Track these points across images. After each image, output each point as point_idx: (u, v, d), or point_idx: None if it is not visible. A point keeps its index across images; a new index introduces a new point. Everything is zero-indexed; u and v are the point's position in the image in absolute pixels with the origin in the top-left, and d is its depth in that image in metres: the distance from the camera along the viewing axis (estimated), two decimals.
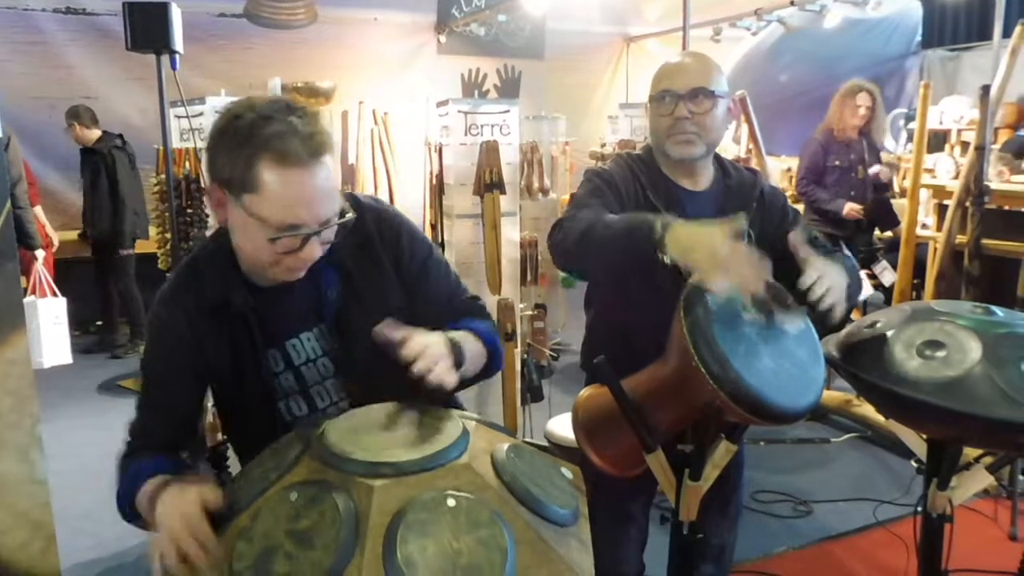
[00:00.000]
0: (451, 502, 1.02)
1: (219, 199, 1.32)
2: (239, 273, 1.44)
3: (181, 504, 1.14)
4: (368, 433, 1.17)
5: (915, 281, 4.25)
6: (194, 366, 1.44)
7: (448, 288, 1.62)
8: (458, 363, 1.32)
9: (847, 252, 2.03)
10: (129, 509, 1.34)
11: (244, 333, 1.43)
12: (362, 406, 1.44)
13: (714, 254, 1.43)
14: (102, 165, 5.58)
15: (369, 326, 1.36)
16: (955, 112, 5.30)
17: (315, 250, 1.32)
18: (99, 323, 6.11)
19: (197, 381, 1.48)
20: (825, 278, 1.57)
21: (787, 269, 1.78)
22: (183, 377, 1.45)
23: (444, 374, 1.24)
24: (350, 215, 1.36)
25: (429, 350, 1.24)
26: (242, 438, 1.63)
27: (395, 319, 1.38)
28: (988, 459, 1.72)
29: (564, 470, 1.27)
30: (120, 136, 5.72)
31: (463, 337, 1.41)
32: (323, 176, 1.27)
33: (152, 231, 3.92)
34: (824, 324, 1.74)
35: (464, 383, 1.41)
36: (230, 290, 1.41)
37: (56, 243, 5.44)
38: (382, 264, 1.52)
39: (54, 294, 4.64)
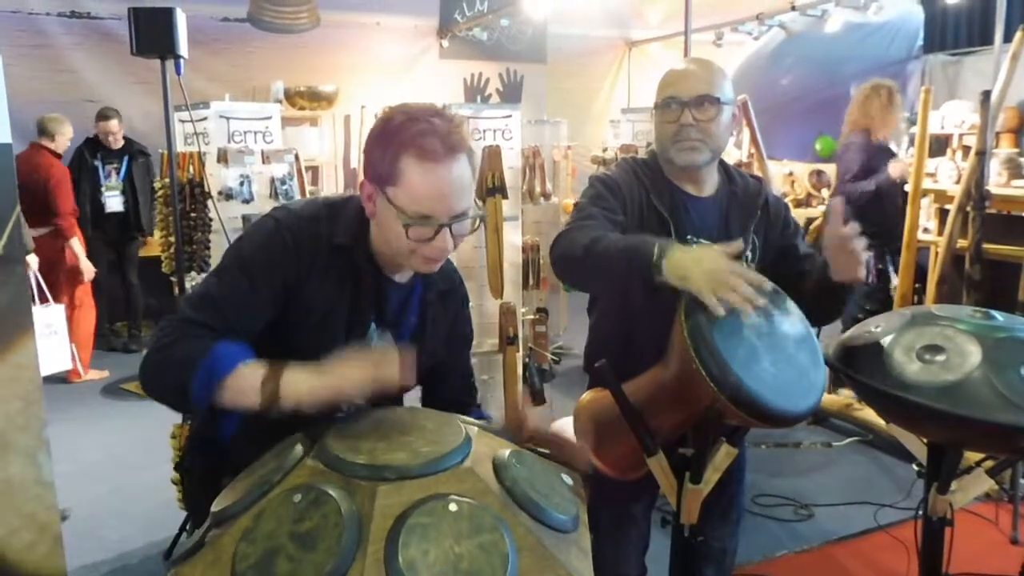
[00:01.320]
0: (453, 507, 1.03)
1: (369, 194, 1.44)
2: (367, 239, 1.50)
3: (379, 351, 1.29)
4: (371, 437, 1.18)
5: (916, 285, 4.25)
6: (289, 287, 1.44)
7: (469, 369, 1.80)
8: None
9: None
10: (205, 385, 1.30)
11: (348, 285, 1.49)
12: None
13: (711, 277, 1.47)
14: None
15: (420, 360, 1.44)
16: (956, 116, 5.31)
17: (447, 241, 1.41)
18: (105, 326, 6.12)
19: (277, 303, 1.46)
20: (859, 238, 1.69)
21: (788, 275, 1.79)
22: (276, 290, 1.44)
23: None
24: (482, 213, 1.46)
25: None
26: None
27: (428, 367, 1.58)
28: (989, 463, 1.73)
29: (565, 476, 1.28)
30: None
31: None
32: (457, 172, 1.38)
33: (156, 234, 3.93)
34: (832, 306, 1.80)
35: None
36: (357, 242, 1.49)
37: (88, 277, 5.47)
38: (447, 317, 1.66)
39: (44, 301, 4.65)
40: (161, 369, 1.36)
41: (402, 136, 1.37)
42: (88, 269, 5.40)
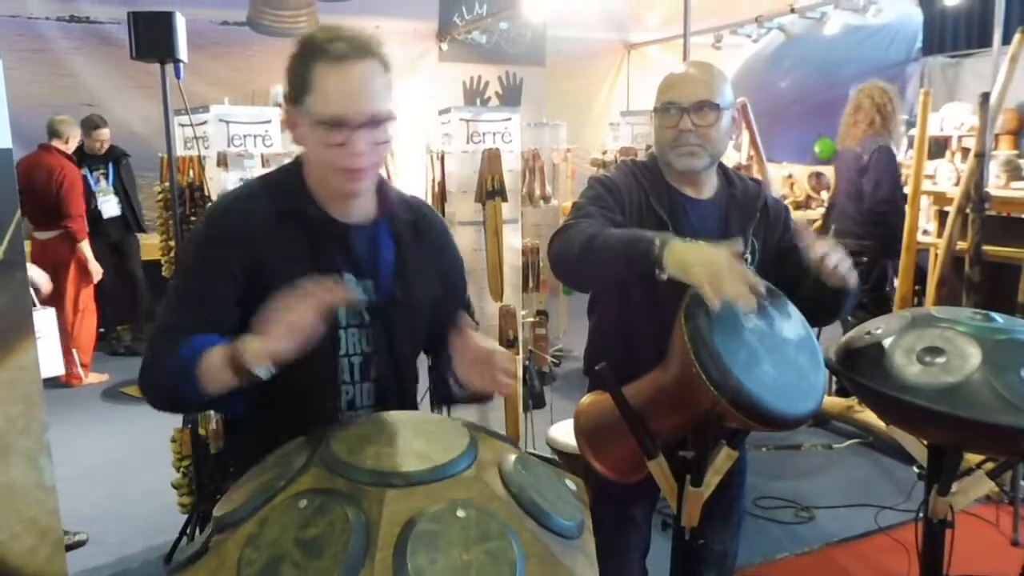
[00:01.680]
0: (461, 513, 1.02)
1: (291, 117, 1.47)
2: (313, 196, 1.51)
3: (296, 297, 1.27)
4: (375, 442, 1.17)
5: (916, 287, 4.25)
6: (245, 267, 1.45)
7: (468, 301, 1.76)
8: None
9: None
10: (187, 383, 1.34)
11: (305, 248, 1.48)
12: (371, 366, 1.55)
13: (712, 271, 1.46)
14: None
15: (406, 296, 1.53)
16: (955, 119, 5.31)
17: (361, 143, 1.40)
18: (102, 330, 6.11)
19: (238, 288, 1.46)
20: (834, 252, 1.67)
21: (788, 277, 1.79)
22: (232, 277, 1.45)
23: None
24: (394, 121, 1.46)
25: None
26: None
27: (422, 308, 1.58)
28: (989, 465, 1.73)
29: (568, 482, 1.27)
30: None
31: None
32: (367, 73, 1.41)
33: (156, 238, 3.93)
34: (832, 305, 1.80)
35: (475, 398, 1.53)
36: (304, 203, 1.49)
37: (96, 278, 5.53)
38: (429, 253, 1.63)
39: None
40: (151, 385, 1.42)
41: (313, 45, 1.41)
42: (96, 270, 5.44)
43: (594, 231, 1.69)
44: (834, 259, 1.66)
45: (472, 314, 1.70)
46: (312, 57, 1.41)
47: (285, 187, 1.51)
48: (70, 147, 5.45)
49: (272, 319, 1.27)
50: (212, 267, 1.45)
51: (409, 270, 1.58)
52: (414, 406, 1.69)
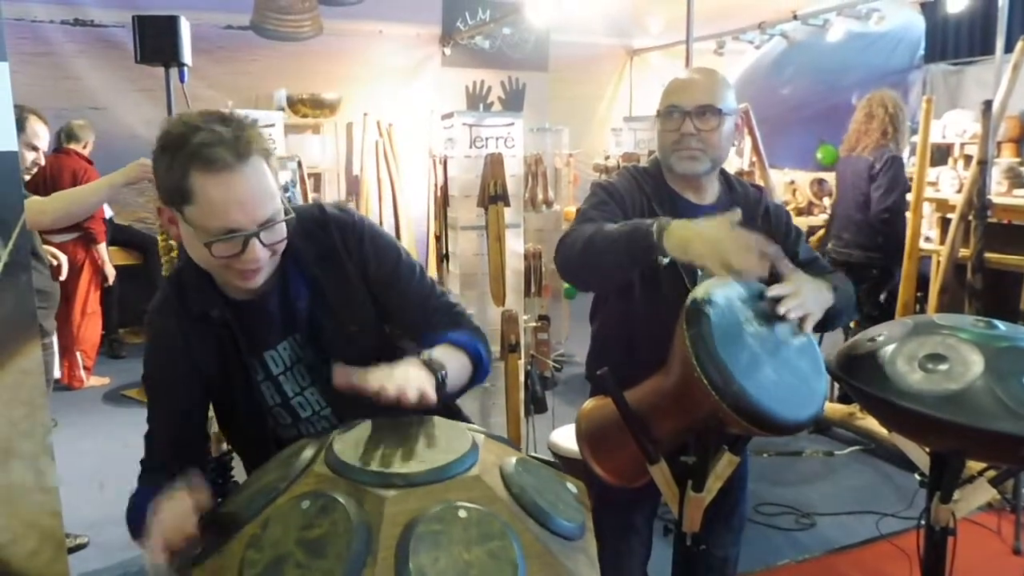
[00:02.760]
0: (462, 514, 1.03)
1: (169, 217, 1.36)
2: (216, 287, 1.47)
3: (170, 505, 1.18)
4: (377, 444, 1.18)
5: (918, 294, 4.25)
6: (190, 371, 1.47)
7: (422, 293, 1.59)
8: (439, 379, 1.31)
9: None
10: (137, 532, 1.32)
11: (228, 342, 1.47)
12: (344, 413, 1.52)
13: (713, 243, 1.46)
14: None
15: (340, 334, 1.45)
16: (958, 126, 5.29)
17: (257, 252, 1.32)
18: (103, 333, 6.12)
19: (196, 385, 1.50)
20: (796, 294, 1.59)
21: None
22: (183, 381, 1.47)
23: (417, 394, 1.23)
24: (290, 217, 1.37)
25: (393, 378, 1.23)
26: (242, 448, 1.68)
27: (365, 329, 1.48)
28: (991, 472, 1.73)
29: (570, 485, 1.28)
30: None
31: (442, 352, 1.41)
32: (253, 178, 1.29)
33: (160, 240, 3.94)
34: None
35: (453, 395, 1.43)
36: (208, 303, 1.45)
37: (111, 280, 5.58)
38: (347, 273, 1.52)
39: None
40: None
41: (185, 149, 1.27)
42: (111, 273, 5.49)
43: (594, 229, 1.70)
44: (785, 305, 1.58)
45: (439, 304, 1.59)
46: (187, 163, 1.27)
47: (193, 288, 1.47)
48: (87, 151, 5.52)
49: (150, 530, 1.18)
50: (166, 381, 1.48)
51: (330, 303, 1.50)
52: None
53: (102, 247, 5.41)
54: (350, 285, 1.52)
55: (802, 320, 1.60)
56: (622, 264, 1.68)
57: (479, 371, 1.51)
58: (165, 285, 1.53)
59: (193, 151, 1.26)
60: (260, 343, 1.51)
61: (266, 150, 1.34)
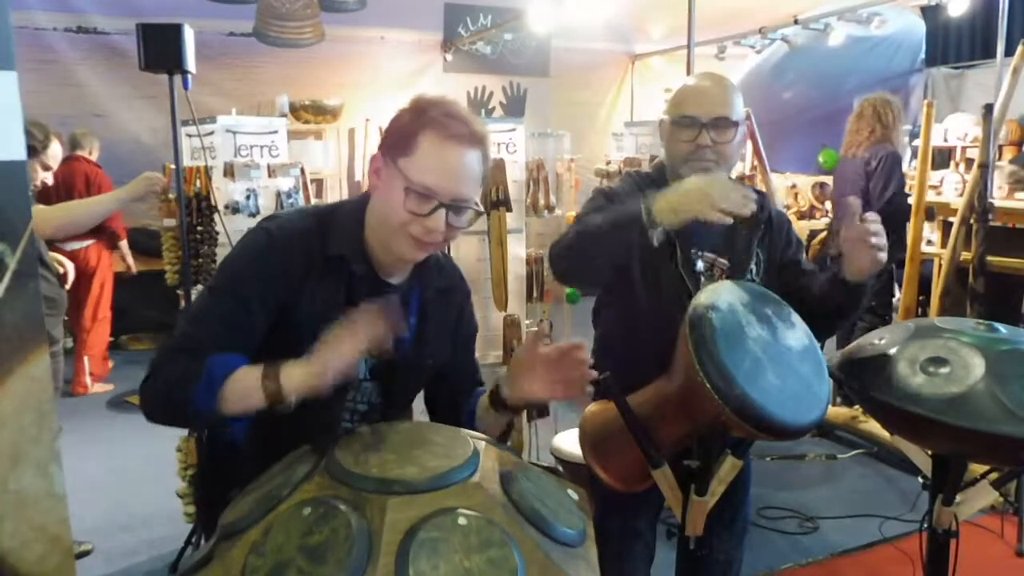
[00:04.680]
0: (462, 521, 1.03)
1: (377, 167, 1.45)
2: (363, 244, 1.50)
3: (370, 316, 1.28)
4: (379, 451, 1.18)
5: (920, 298, 4.25)
6: (281, 304, 1.43)
7: (475, 365, 1.77)
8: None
9: None
10: (206, 399, 1.30)
11: (340, 293, 1.47)
12: (382, 417, 1.56)
13: (698, 191, 1.53)
14: None
15: (417, 361, 1.55)
16: (959, 129, 5.32)
17: (440, 222, 1.39)
18: (108, 339, 6.13)
19: (273, 306, 1.44)
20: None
21: (790, 292, 1.80)
22: (270, 291, 1.42)
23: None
24: (480, 209, 1.48)
25: None
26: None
27: (433, 366, 1.61)
28: (993, 475, 1.73)
29: (570, 492, 1.28)
30: None
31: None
32: (472, 161, 1.42)
33: (164, 248, 3.96)
34: (833, 318, 1.83)
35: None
36: (352, 251, 1.48)
37: (133, 271, 5.71)
38: (449, 316, 1.65)
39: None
40: (161, 391, 1.36)
41: (430, 114, 1.40)
42: (133, 265, 5.63)
43: (583, 224, 1.73)
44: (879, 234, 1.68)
45: (480, 380, 1.75)
46: (425, 125, 1.39)
47: (342, 235, 1.48)
48: (95, 156, 5.59)
49: (324, 350, 1.26)
50: (257, 292, 1.42)
51: (429, 337, 1.59)
52: None
53: (124, 244, 5.54)
54: (447, 325, 1.64)
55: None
56: (613, 249, 1.70)
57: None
58: (309, 213, 1.53)
59: (438, 116, 1.39)
60: None
61: (488, 155, 1.48)
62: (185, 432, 3.09)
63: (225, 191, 3.47)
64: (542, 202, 4.85)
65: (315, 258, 1.46)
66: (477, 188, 1.46)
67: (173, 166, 3.16)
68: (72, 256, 5.24)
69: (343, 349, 1.26)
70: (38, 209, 2.92)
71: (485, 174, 1.48)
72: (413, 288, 1.57)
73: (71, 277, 3.43)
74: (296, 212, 1.57)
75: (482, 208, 1.48)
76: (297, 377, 1.26)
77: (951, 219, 4.01)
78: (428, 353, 1.59)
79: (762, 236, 1.96)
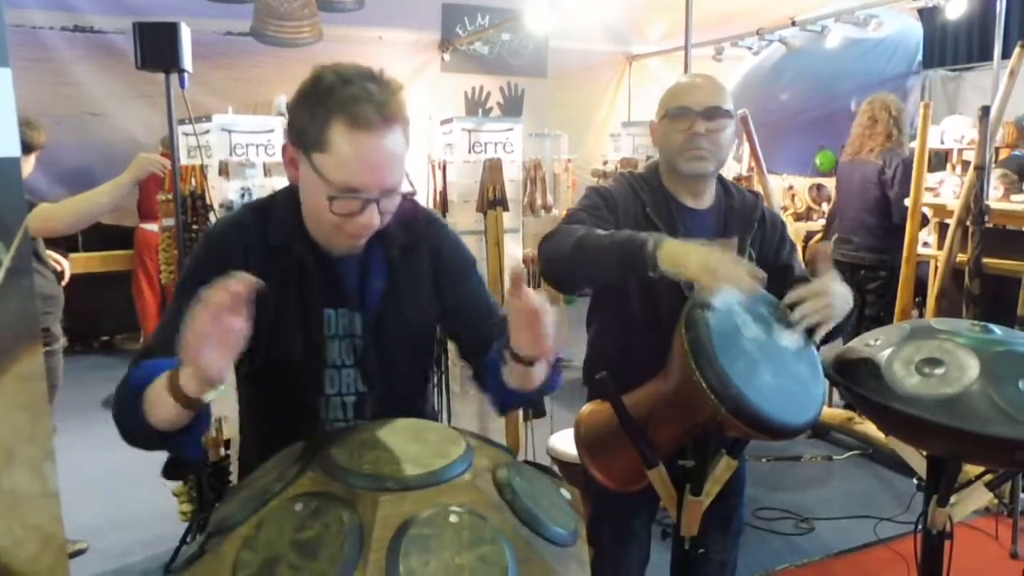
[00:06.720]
0: (454, 518, 1.03)
1: (291, 158, 1.36)
2: (304, 229, 1.44)
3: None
4: (372, 447, 1.18)
5: (917, 299, 4.26)
6: None
7: (487, 301, 1.61)
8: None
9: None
10: (132, 412, 1.22)
11: (293, 282, 1.43)
12: (367, 408, 1.52)
13: (706, 263, 1.49)
14: None
15: (401, 329, 1.45)
16: (956, 132, 5.32)
17: (374, 217, 1.33)
18: (104, 338, 6.13)
19: None
20: (823, 294, 1.63)
21: (782, 293, 1.80)
22: None
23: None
24: (411, 190, 1.40)
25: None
26: (248, 404, 1.60)
27: (423, 328, 1.51)
28: (988, 476, 1.73)
29: (563, 491, 1.28)
30: None
31: None
32: (390, 144, 1.30)
33: (161, 249, 3.95)
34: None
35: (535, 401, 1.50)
36: (293, 239, 1.43)
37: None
38: (422, 267, 1.54)
39: None
40: (114, 411, 1.30)
41: (332, 99, 1.27)
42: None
43: (584, 232, 1.71)
44: (802, 313, 1.62)
45: (499, 320, 1.54)
46: (332, 113, 1.27)
47: (282, 223, 1.45)
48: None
49: (184, 337, 1.12)
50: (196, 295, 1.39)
51: (402, 295, 1.50)
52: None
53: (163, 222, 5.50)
54: (422, 281, 1.53)
55: (814, 329, 1.63)
56: (611, 273, 1.69)
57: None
58: (242, 210, 1.50)
59: (341, 103, 1.26)
60: (323, 299, 1.47)
61: (407, 119, 1.34)
62: None
63: (221, 190, 3.46)
64: (539, 202, 4.85)
65: (254, 250, 1.42)
66: (402, 168, 1.36)
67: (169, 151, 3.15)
68: (149, 236, 5.25)
69: (196, 328, 1.11)
70: (44, 207, 2.92)
71: (408, 141, 1.36)
72: (371, 252, 1.47)
73: (68, 274, 3.43)
74: (237, 209, 1.55)
75: (414, 188, 1.40)
76: (185, 371, 1.16)
77: (947, 221, 4.02)
78: (407, 313, 1.50)
79: (755, 235, 1.96)
